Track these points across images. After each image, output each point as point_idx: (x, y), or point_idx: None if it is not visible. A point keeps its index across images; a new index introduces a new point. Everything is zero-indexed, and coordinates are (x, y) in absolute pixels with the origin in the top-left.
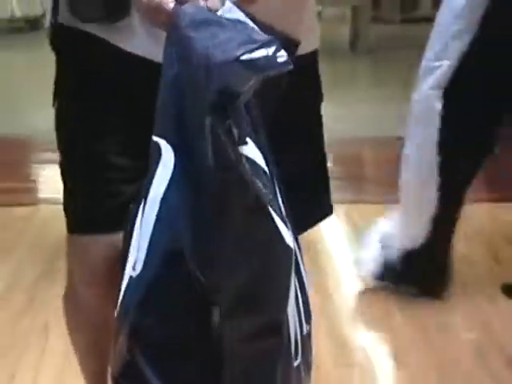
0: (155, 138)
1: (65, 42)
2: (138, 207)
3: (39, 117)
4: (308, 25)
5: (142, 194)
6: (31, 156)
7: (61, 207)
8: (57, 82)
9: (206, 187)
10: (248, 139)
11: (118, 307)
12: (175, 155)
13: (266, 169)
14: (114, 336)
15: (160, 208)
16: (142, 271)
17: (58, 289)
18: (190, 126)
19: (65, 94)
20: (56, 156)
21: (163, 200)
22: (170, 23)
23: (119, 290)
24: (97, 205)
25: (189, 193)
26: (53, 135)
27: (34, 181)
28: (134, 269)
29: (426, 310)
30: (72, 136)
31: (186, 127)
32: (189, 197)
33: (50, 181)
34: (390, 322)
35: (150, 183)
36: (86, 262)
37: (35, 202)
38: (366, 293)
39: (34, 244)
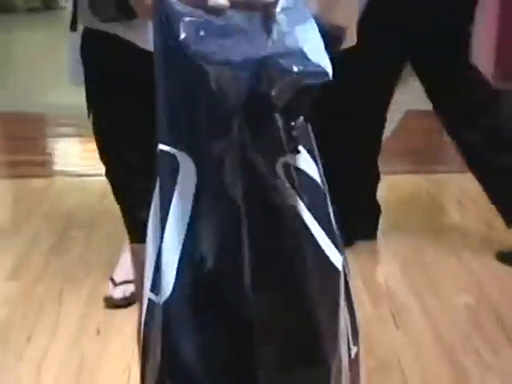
0: (165, 147)
1: (88, 45)
2: (156, 224)
3: (54, 94)
4: (347, 14)
5: (161, 212)
6: (47, 131)
7: (75, 179)
8: (86, 93)
9: (237, 205)
10: (301, 148)
11: (142, 331)
12: (196, 166)
13: (319, 181)
14: (141, 360)
15: (188, 230)
16: (171, 296)
17: (72, 257)
18: (210, 134)
19: (91, 99)
20: (70, 130)
21: (191, 220)
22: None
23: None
24: (131, 215)
25: (219, 210)
26: (67, 111)
27: (50, 154)
28: (155, 292)
29: (422, 276)
30: (101, 139)
31: (204, 135)
32: (219, 215)
33: (64, 154)
34: (386, 287)
35: (168, 201)
36: (136, 269)
37: (50, 174)
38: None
39: (49, 214)
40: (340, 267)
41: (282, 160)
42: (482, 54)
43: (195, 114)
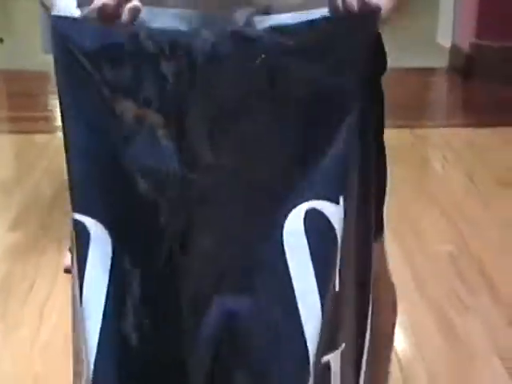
0: (76, 216)
1: None
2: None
3: None
4: None
5: (74, 291)
6: (48, 88)
7: None
8: None
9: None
10: (341, 198)
11: None
12: (111, 236)
13: (337, 229)
14: None
15: (106, 308)
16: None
17: (71, 210)
18: (125, 201)
19: None
20: None
21: (108, 297)
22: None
23: None
24: None
25: (141, 285)
26: None
27: (51, 110)
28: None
29: (406, 226)
30: None
31: (118, 201)
32: (141, 290)
33: None
34: None
35: (81, 276)
36: None
37: (52, 130)
38: None
39: (50, 168)
40: (311, 367)
41: (307, 204)
42: (464, 12)
43: (104, 177)
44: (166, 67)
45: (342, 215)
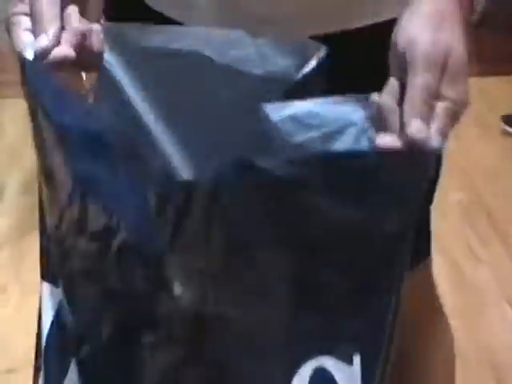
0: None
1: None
2: None
3: None
4: None
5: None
6: None
7: None
8: None
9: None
10: (357, 357)
11: None
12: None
13: None
14: None
15: None
16: None
17: None
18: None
19: None
20: None
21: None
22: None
23: None
24: None
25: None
26: None
27: None
28: None
29: None
30: None
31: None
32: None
33: None
34: None
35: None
36: None
37: None
38: None
39: None
40: None
41: (316, 362)
42: None
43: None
44: (157, 198)
45: (358, 376)
